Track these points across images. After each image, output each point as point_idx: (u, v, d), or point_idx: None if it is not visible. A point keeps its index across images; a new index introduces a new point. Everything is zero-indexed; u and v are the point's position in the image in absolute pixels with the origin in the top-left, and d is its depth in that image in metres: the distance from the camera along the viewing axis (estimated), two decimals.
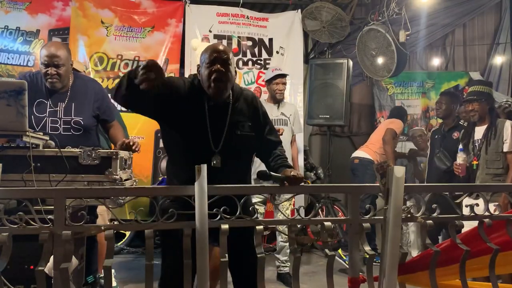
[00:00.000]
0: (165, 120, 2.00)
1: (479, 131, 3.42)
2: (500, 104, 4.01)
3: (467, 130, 3.58)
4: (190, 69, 4.43)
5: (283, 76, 3.81)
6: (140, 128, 4.36)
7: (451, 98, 4.13)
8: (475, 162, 3.38)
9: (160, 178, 4.43)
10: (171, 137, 2.02)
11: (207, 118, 1.95)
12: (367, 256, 1.77)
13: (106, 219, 3.08)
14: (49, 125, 2.59)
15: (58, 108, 2.61)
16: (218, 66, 1.89)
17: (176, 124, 1.96)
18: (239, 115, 2.02)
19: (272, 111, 3.69)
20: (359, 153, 4.53)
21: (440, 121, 4.34)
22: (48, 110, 2.60)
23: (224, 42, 4.66)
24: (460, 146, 3.50)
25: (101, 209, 2.87)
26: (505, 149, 3.28)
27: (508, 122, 3.35)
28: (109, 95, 4.15)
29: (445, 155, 3.87)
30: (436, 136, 4.06)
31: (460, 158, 3.42)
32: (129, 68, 4.46)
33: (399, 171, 1.65)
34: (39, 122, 2.55)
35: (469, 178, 3.41)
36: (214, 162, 1.92)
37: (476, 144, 3.41)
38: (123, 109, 4.33)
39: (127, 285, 3.58)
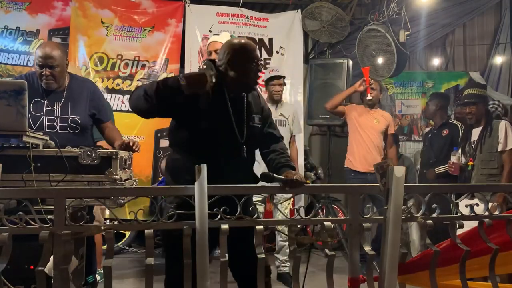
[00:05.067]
0: (186, 115, 1.99)
1: (476, 133, 3.47)
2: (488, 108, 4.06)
3: (464, 133, 3.62)
4: (190, 69, 4.43)
5: (279, 77, 3.82)
6: (140, 128, 4.36)
7: (437, 99, 4.26)
8: (470, 163, 3.42)
9: (160, 178, 4.43)
10: (191, 131, 2.00)
11: (230, 110, 2.01)
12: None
13: (101, 217, 3.09)
14: (46, 123, 2.60)
15: (55, 107, 2.62)
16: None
17: (199, 118, 1.96)
18: (251, 107, 2.10)
19: None
20: None
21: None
22: (45, 109, 2.60)
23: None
24: (455, 146, 3.56)
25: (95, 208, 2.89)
26: (500, 149, 3.32)
27: (502, 123, 3.39)
28: (105, 95, 4.19)
29: (428, 149, 4.12)
30: (429, 135, 4.20)
31: (454, 157, 3.46)
32: (129, 68, 4.46)
33: (399, 171, 1.65)
34: (36, 121, 2.56)
35: (464, 178, 3.44)
36: (244, 152, 2.01)
37: (472, 145, 3.44)
38: (118, 108, 4.38)
39: (127, 285, 3.58)
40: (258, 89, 2.29)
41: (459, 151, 3.54)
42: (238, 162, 2.01)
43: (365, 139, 4.07)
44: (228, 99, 2.02)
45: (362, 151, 4.07)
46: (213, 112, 1.98)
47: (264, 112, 2.17)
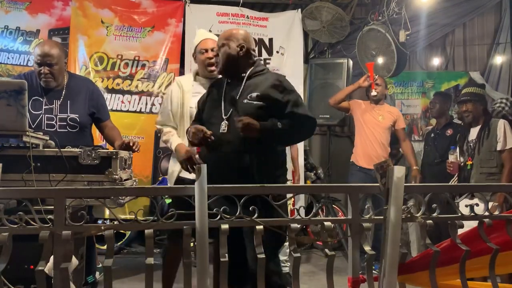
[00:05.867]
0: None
1: (474, 132, 3.47)
2: (493, 107, 4.05)
3: (462, 132, 3.62)
4: (190, 69, 4.42)
5: None
6: (140, 128, 4.36)
7: (444, 98, 4.28)
8: (469, 162, 3.42)
9: (160, 178, 4.43)
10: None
11: (223, 91, 2.30)
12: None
13: None
14: (45, 122, 2.60)
15: (54, 105, 2.63)
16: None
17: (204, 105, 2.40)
18: (251, 87, 2.24)
19: None
20: None
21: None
22: (43, 107, 2.60)
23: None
24: (452, 145, 3.56)
25: None
26: (499, 148, 3.32)
27: (501, 122, 3.40)
28: (104, 95, 4.19)
29: (432, 149, 4.07)
30: (432, 135, 4.18)
31: (452, 156, 3.47)
32: (129, 68, 4.47)
33: (399, 171, 1.65)
34: (34, 120, 2.56)
35: (464, 178, 3.44)
36: (222, 128, 2.21)
37: (471, 145, 3.44)
38: (118, 108, 4.38)
39: (127, 285, 3.58)
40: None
41: (457, 149, 3.54)
42: (226, 139, 2.17)
43: (369, 136, 4.07)
44: (225, 82, 2.34)
45: (366, 147, 4.08)
46: (210, 98, 2.36)
47: (276, 92, 2.20)
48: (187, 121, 2.70)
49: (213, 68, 2.62)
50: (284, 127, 2.16)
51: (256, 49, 4.75)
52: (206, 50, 2.71)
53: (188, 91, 2.74)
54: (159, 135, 2.92)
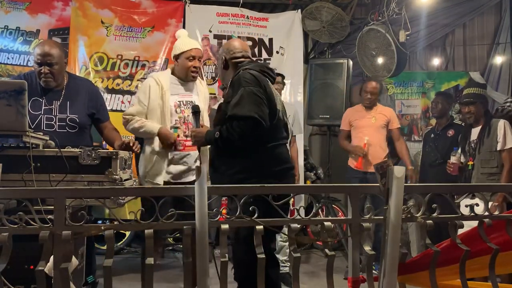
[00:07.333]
0: None
1: (475, 132, 3.48)
2: (503, 107, 4.04)
3: (464, 133, 3.62)
4: None
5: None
6: None
7: (446, 98, 4.25)
8: (470, 163, 3.42)
9: None
10: None
11: None
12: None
13: None
14: (44, 122, 2.60)
15: (53, 106, 2.62)
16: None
17: None
18: (227, 94, 2.36)
19: None
20: None
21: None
22: (43, 108, 2.60)
23: (224, 42, 4.67)
24: (455, 146, 3.56)
25: None
26: (498, 148, 3.33)
27: (501, 122, 3.40)
28: (104, 95, 4.19)
29: (432, 150, 4.06)
30: (432, 136, 4.16)
31: (454, 157, 3.47)
32: (129, 68, 4.47)
33: (399, 171, 1.65)
34: (34, 120, 2.56)
35: (464, 178, 3.44)
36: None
37: (472, 145, 3.45)
38: (118, 108, 4.39)
39: (127, 285, 3.58)
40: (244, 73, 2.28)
41: (459, 150, 3.54)
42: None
43: (362, 138, 4.07)
44: None
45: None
46: None
47: (230, 94, 2.29)
48: (168, 118, 2.87)
49: (196, 75, 2.90)
50: (223, 134, 2.21)
51: (256, 49, 4.76)
52: (194, 58, 2.89)
53: (167, 90, 2.88)
54: (125, 125, 2.94)
